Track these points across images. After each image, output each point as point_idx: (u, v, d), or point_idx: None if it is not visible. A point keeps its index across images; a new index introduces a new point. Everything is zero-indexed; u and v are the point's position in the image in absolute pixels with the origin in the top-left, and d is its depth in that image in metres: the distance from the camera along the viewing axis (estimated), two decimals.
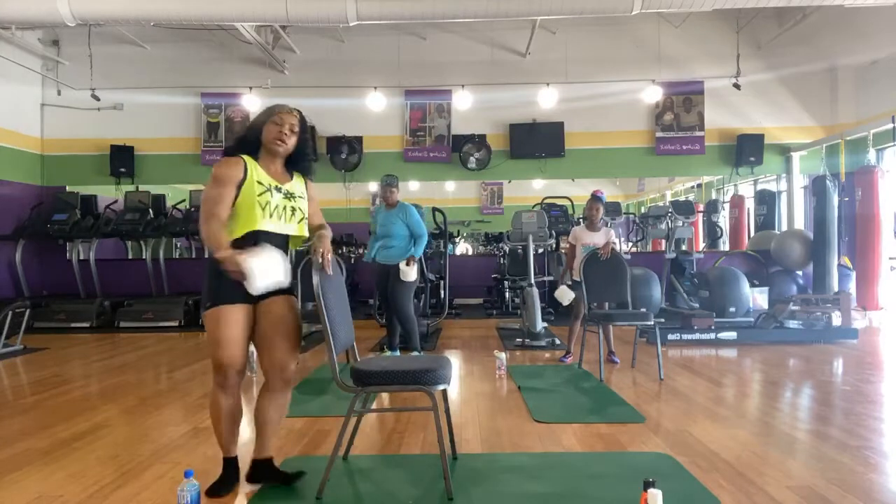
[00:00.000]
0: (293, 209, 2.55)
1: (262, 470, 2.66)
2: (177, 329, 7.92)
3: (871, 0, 6.44)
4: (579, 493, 2.60)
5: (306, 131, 2.60)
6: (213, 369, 2.52)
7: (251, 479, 2.67)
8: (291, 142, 2.54)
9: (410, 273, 5.34)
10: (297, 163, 2.63)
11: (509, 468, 2.85)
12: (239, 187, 2.42)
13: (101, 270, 8.99)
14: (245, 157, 2.48)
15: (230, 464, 2.64)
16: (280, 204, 2.50)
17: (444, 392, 2.88)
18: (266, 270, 2.37)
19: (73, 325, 8.03)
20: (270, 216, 2.47)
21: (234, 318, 2.46)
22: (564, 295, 5.40)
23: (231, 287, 2.42)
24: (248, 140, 2.53)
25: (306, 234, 2.63)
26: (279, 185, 2.52)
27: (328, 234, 2.63)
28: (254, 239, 2.44)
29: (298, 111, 2.57)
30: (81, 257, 9.00)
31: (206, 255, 2.51)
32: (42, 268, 9.58)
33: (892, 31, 8.20)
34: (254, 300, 2.49)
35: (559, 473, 2.80)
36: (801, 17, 8.29)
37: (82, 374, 5.30)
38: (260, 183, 2.46)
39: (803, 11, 8.14)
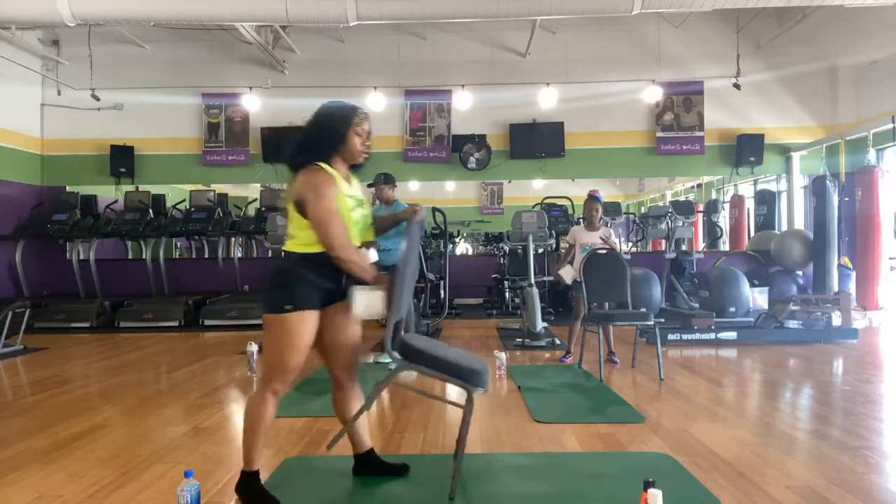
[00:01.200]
0: (365, 217, 2.53)
1: (367, 462, 2.71)
2: (177, 329, 7.92)
3: (870, 0, 6.44)
4: (579, 493, 2.60)
5: (370, 135, 2.53)
6: (273, 376, 2.38)
7: (358, 472, 2.72)
8: (369, 149, 2.52)
9: (369, 255, 5.30)
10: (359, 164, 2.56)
11: (509, 468, 2.85)
12: None
13: (101, 270, 8.99)
14: (330, 169, 2.39)
15: (258, 476, 2.45)
16: (361, 216, 2.48)
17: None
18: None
19: (73, 325, 8.03)
20: (364, 231, 2.49)
21: (312, 325, 2.38)
22: (567, 274, 5.41)
23: (311, 292, 2.36)
24: (332, 145, 2.41)
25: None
26: (359, 199, 2.49)
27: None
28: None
29: (366, 113, 2.51)
30: (81, 257, 9.00)
31: (283, 254, 2.44)
32: (42, 268, 9.58)
33: (892, 31, 8.20)
34: (322, 306, 2.41)
35: (559, 473, 2.80)
36: (801, 17, 8.29)
37: (82, 374, 5.30)
38: (348, 196, 2.40)
39: (803, 11, 8.13)
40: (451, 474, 2.57)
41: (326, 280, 2.40)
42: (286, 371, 2.37)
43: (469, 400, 2.55)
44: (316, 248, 2.36)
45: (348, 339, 2.54)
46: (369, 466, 2.72)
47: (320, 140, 2.42)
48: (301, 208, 2.35)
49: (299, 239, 2.39)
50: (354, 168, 2.56)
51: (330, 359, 2.55)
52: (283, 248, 2.46)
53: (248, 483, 2.42)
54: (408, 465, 2.78)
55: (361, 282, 2.39)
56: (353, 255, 2.35)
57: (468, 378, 2.51)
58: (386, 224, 2.70)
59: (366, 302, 2.36)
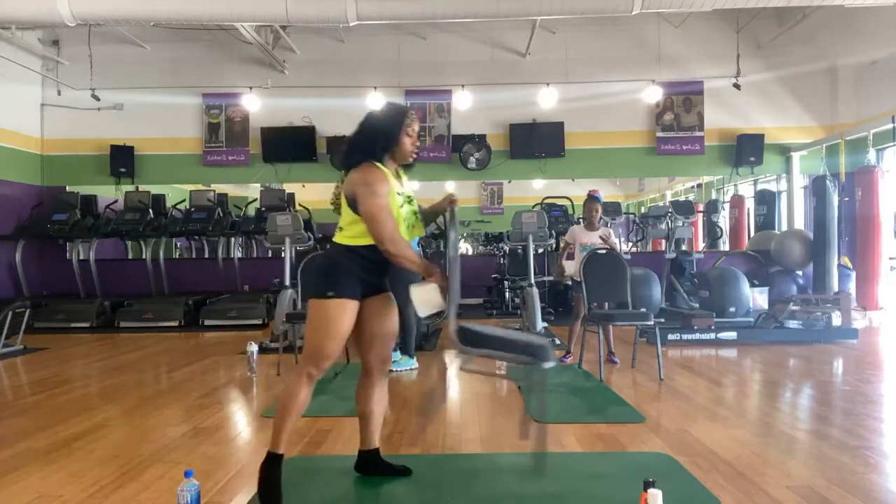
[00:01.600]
0: (415, 213, 2.60)
1: (370, 461, 2.73)
2: (177, 329, 7.91)
3: (870, 0, 6.44)
4: (579, 493, 2.60)
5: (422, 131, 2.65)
6: (312, 360, 2.47)
7: (359, 469, 2.75)
8: (418, 148, 2.61)
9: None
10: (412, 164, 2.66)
11: (509, 468, 2.85)
12: None
13: (101, 270, 8.99)
14: (382, 166, 2.48)
15: (280, 461, 2.51)
16: (409, 213, 2.55)
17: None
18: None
19: (73, 325, 8.02)
20: (412, 227, 2.55)
21: (351, 314, 2.48)
22: (570, 267, 5.43)
23: (354, 283, 2.46)
24: (385, 146, 2.50)
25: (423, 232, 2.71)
26: (408, 195, 2.58)
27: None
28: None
29: (415, 115, 2.62)
30: (81, 257, 9.00)
31: (331, 245, 2.53)
32: (42, 268, 9.58)
33: (892, 31, 8.20)
34: (362, 298, 2.51)
35: (559, 473, 2.80)
36: (801, 17, 8.29)
37: (82, 374, 5.30)
38: (398, 194, 2.49)
39: (803, 11, 8.13)
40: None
41: (369, 273, 2.50)
42: (322, 356, 2.46)
43: (544, 375, 2.55)
44: (362, 241, 2.46)
45: (385, 331, 2.62)
46: (372, 466, 2.74)
47: (374, 141, 2.52)
48: (353, 203, 2.45)
49: (348, 231, 2.50)
50: (406, 167, 2.65)
51: (366, 349, 2.64)
52: (333, 239, 2.57)
53: (270, 465, 2.49)
54: (410, 469, 2.78)
55: (413, 279, 2.45)
56: (403, 249, 2.41)
57: (536, 353, 2.52)
58: (428, 217, 2.74)
59: (424, 298, 2.41)
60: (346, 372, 4.75)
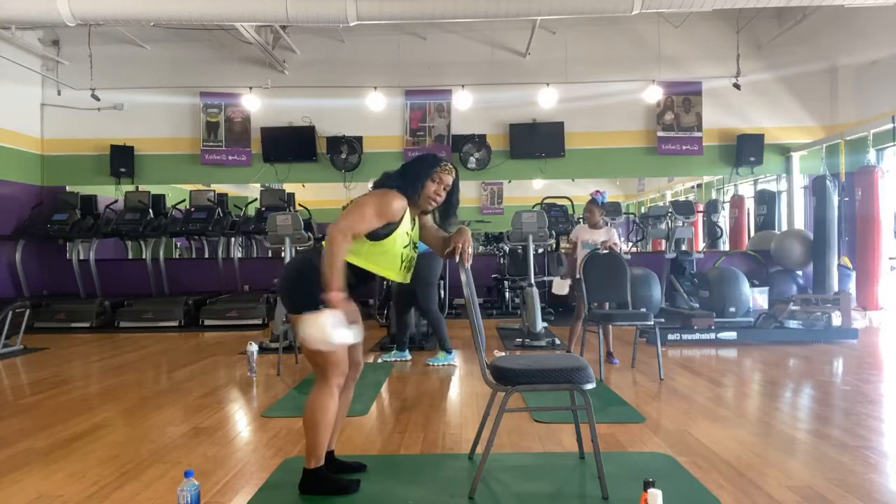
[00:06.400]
0: (412, 259, 2.63)
1: (328, 461, 2.71)
2: (177, 329, 7.92)
3: (871, 0, 6.44)
4: (579, 493, 2.60)
5: (456, 190, 2.63)
6: (330, 373, 2.47)
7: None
8: (442, 200, 2.60)
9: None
10: (431, 211, 2.65)
11: (509, 468, 2.85)
12: (387, 227, 2.45)
13: (101, 270, 8.99)
14: (406, 202, 2.50)
15: (325, 470, 2.60)
16: (409, 257, 2.57)
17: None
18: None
19: (73, 325, 8.03)
20: (405, 270, 2.58)
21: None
22: (559, 286, 5.50)
23: None
24: (414, 188, 2.52)
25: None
26: (415, 242, 2.61)
27: (467, 228, 2.66)
28: (372, 276, 2.54)
29: (455, 169, 2.62)
30: (81, 257, 9.00)
31: (309, 257, 2.46)
32: (42, 268, 9.58)
33: (892, 31, 8.20)
34: None
35: (559, 473, 2.80)
36: (801, 17, 8.29)
37: (82, 374, 5.30)
38: (407, 234, 2.53)
39: (803, 11, 8.13)
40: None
41: (345, 286, 2.49)
42: (339, 363, 2.49)
43: (586, 398, 2.56)
44: (352, 259, 2.45)
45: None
46: (328, 466, 2.72)
47: (402, 177, 2.54)
48: None
49: None
50: (428, 213, 2.67)
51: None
52: (324, 242, 2.53)
53: (316, 479, 2.54)
54: (364, 464, 2.82)
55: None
56: (337, 253, 2.36)
57: (574, 378, 2.56)
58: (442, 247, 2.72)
59: (310, 328, 2.28)
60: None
